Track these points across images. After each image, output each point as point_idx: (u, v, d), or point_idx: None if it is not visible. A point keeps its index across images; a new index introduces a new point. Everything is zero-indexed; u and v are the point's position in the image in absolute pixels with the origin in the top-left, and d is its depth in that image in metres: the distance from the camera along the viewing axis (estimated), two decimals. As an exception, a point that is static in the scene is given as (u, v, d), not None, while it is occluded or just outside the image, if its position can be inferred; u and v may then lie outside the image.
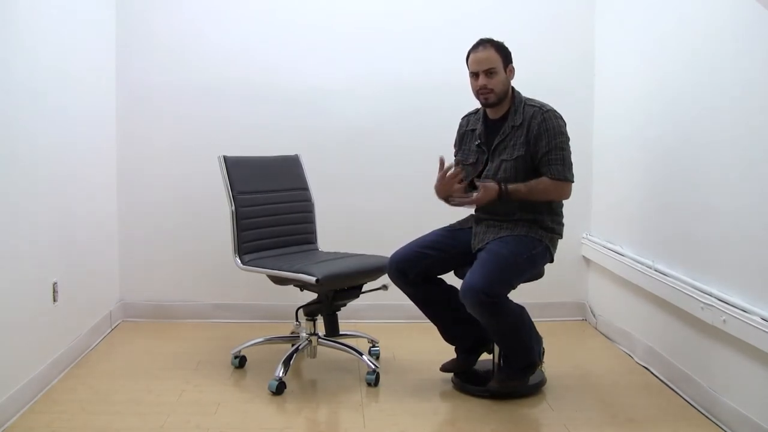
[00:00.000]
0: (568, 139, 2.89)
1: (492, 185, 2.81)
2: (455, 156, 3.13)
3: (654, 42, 3.32)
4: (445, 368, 3.07)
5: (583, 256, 4.09)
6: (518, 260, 2.79)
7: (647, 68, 3.38)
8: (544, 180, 2.85)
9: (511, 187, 2.82)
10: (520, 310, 2.83)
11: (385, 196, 4.05)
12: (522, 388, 2.91)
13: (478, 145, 3.00)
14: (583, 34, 4.02)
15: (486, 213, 2.97)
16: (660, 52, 3.25)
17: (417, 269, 2.94)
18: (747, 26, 2.55)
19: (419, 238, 3.02)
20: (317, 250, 3.48)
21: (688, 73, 2.99)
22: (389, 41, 4.00)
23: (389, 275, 3.00)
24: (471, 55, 2.91)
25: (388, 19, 4.00)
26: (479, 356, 3.08)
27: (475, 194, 2.83)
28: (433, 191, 2.96)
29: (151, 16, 3.94)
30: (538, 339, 2.96)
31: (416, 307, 3.06)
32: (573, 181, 2.90)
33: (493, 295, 2.67)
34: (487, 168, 2.95)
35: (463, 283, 2.72)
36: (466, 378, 3.05)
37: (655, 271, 3.17)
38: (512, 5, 4.00)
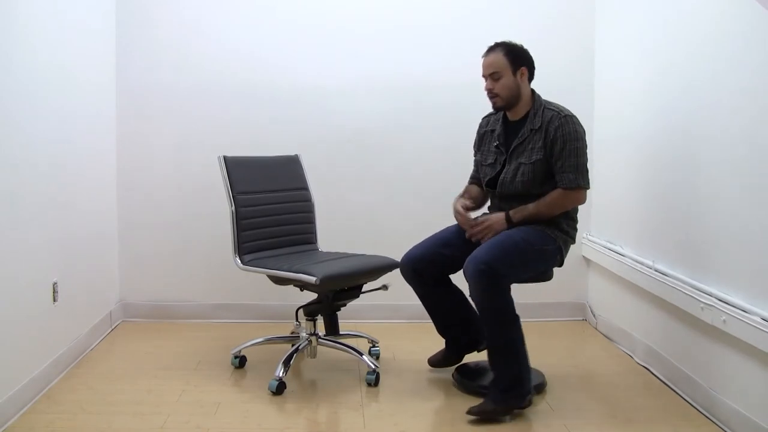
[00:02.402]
0: (585, 145, 2.88)
1: (496, 216, 2.85)
2: (474, 156, 3.15)
3: (654, 42, 3.32)
4: (432, 362, 3.07)
5: (583, 256, 4.09)
6: (528, 248, 2.78)
7: (647, 68, 3.38)
8: (553, 194, 2.86)
9: (512, 212, 2.85)
10: (514, 313, 2.75)
11: (385, 195, 4.04)
12: (501, 417, 2.70)
13: (496, 146, 2.99)
14: (583, 34, 4.02)
15: (499, 211, 2.96)
16: (660, 52, 3.25)
17: (432, 270, 2.93)
18: (747, 26, 2.55)
19: (433, 236, 3.00)
20: (317, 250, 3.48)
21: (688, 73, 2.99)
22: (390, 41, 3.99)
23: (403, 273, 2.99)
24: (482, 59, 2.93)
25: (389, 19, 3.99)
26: (465, 355, 3.11)
27: (480, 221, 2.86)
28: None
29: (151, 16, 3.94)
30: (528, 369, 2.76)
31: (417, 304, 3.06)
32: (588, 188, 2.89)
33: (493, 268, 2.65)
34: (504, 170, 2.93)
35: (469, 257, 2.71)
36: (466, 377, 3.06)
37: (655, 271, 3.17)
38: (512, 5, 4.00)
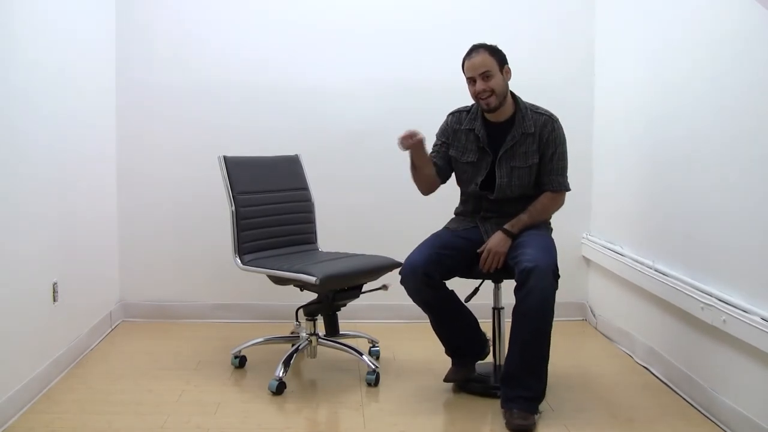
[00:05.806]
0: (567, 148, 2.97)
1: (495, 240, 2.84)
2: (434, 145, 3.07)
3: (654, 42, 3.32)
4: (448, 379, 3.01)
5: (583, 256, 4.09)
6: (552, 242, 2.86)
7: (647, 68, 3.38)
8: (542, 199, 2.93)
9: (509, 227, 2.85)
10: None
11: (385, 195, 4.05)
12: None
13: (481, 148, 2.94)
14: (583, 35, 4.02)
15: (491, 212, 2.97)
16: (660, 52, 3.25)
17: (441, 271, 2.84)
18: (748, 29, 2.55)
19: (427, 242, 2.92)
20: (317, 250, 3.48)
21: (688, 73, 2.99)
22: (389, 42, 4.00)
23: (411, 282, 2.83)
24: (465, 62, 2.88)
25: (388, 20, 4.00)
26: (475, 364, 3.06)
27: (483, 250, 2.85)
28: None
29: (151, 16, 3.95)
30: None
31: (417, 309, 3.00)
32: (570, 190, 2.98)
33: (556, 267, 2.71)
34: (498, 174, 2.90)
35: (526, 261, 2.65)
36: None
37: (655, 271, 3.17)
38: (512, 7, 4.00)
